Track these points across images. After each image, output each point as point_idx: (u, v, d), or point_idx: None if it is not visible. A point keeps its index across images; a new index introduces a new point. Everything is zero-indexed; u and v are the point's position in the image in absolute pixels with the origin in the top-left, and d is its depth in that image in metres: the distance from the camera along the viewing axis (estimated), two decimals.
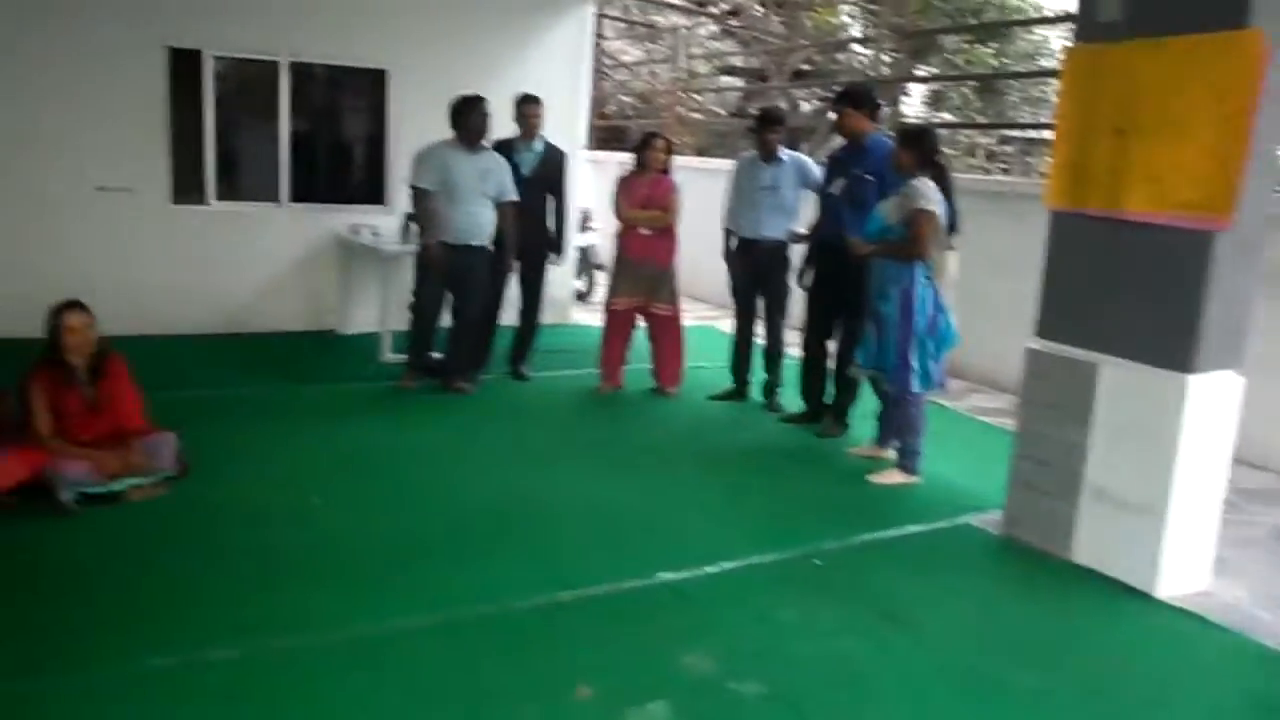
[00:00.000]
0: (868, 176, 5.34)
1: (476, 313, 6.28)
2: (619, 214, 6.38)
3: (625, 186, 6.38)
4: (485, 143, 6.18)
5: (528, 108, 6.43)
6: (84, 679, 2.90)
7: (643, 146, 6.39)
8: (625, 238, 6.42)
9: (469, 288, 6.18)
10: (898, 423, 5.11)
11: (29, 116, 6.81)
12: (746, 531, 4.33)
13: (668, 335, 6.55)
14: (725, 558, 3.99)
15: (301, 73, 7.68)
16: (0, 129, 6.74)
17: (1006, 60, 13.26)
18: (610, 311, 6.52)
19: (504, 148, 6.40)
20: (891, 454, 5.25)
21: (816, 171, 6.06)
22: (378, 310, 7.12)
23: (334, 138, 8.24)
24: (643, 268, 6.36)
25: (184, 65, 7.23)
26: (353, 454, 5.08)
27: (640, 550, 4.06)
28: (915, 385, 4.87)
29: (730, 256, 6.30)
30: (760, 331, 6.38)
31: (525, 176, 6.40)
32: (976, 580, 4.02)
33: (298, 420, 5.59)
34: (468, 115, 6.03)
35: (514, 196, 6.23)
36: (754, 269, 6.18)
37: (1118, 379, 3.94)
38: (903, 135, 5.06)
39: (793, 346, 6.24)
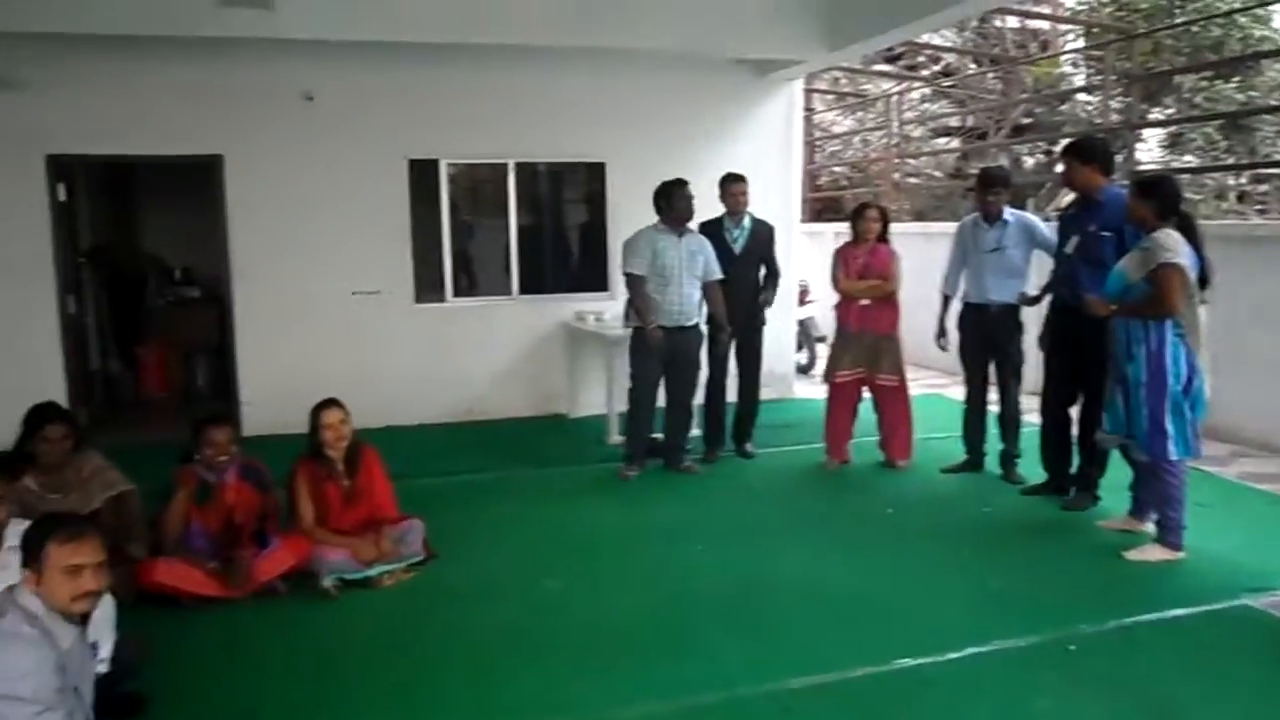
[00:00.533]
0: (1104, 233, 5.04)
1: (692, 393, 6.37)
2: (836, 285, 6.34)
3: (841, 258, 6.34)
4: (692, 225, 6.30)
5: (733, 186, 6.50)
6: None
7: (856, 217, 6.34)
8: (844, 309, 6.36)
9: (685, 368, 6.27)
10: (1156, 494, 4.72)
11: (291, 227, 7.56)
12: (990, 613, 4.09)
13: (894, 406, 6.39)
14: (968, 643, 3.78)
15: (526, 171, 8.14)
16: (268, 245, 7.51)
17: (1254, 94, 12.26)
18: (833, 384, 6.41)
19: (712, 226, 6.50)
20: (1150, 528, 4.85)
21: (1045, 230, 5.85)
22: (604, 394, 7.31)
23: (558, 230, 8.63)
24: (863, 338, 6.26)
25: (422, 175, 7.82)
26: (582, 535, 5.21)
27: (875, 634, 3.91)
28: (1173, 452, 4.49)
29: (959, 322, 6.11)
30: (994, 399, 6.10)
31: (737, 254, 6.45)
32: (1260, 673, 3.59)
33: (530, 503, 5.79)
34: (671, 198, 6.18)
35: (719, 275, 6.30)
36: (984, 334, 5.93)
37: None
38: (1138, 186, 4.72)
39: (1031, 414, 5.91)
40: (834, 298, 6.50)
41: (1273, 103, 12.15)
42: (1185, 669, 3.60)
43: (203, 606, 4.19)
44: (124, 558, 4.14)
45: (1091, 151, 5.23)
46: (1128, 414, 4.64)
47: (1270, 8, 12.27)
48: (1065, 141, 6.14)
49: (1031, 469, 5.88)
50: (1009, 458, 6.05)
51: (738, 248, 6.48)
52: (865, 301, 6.21)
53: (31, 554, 2.60)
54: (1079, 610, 4.07)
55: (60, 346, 7.28)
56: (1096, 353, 4.94)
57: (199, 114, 7.24)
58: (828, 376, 6.48)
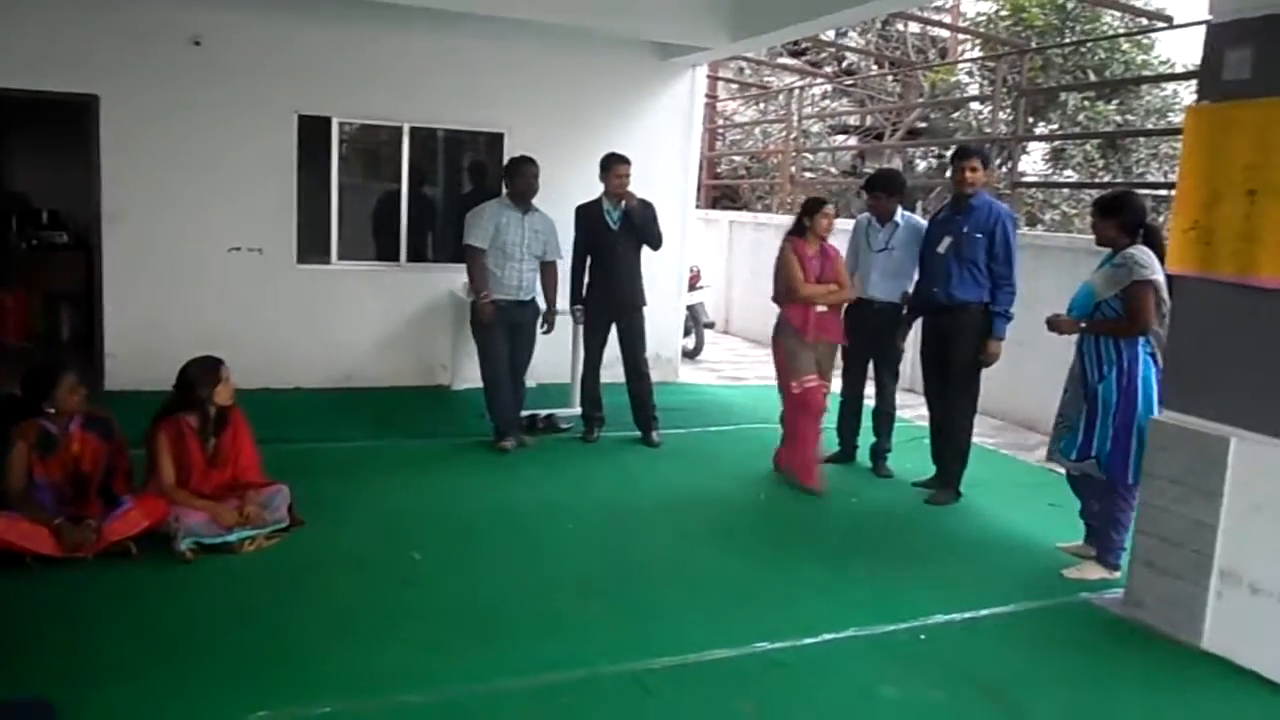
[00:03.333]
0: (976, 235, 5.39)
1: (525, 367, 6.45)
2: (796, 290, 5.66)
3: (796, 259, 5.71)
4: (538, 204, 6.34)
5: (618, 167, 6.38)
6: None
7: (811, 212, 5.77)
8: (799, 314, 5.70)
9: (522, 343, 6.36)
10: (1104, 516, 4.65)
11: (169, 176, 7.23)
12: (849, 602, 4.21)
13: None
14: (825, 629, 3.88)
15: (421, 136, 7.98)
16: (143, 193, 7.17)
17: (1132, 117, 12.85)
18: (801, 394, 5.72)
19: (591, 208, 6.48)
20: (1090, 551, 4.81)
21: None
22: None
23: (451, 199, 8.48)
24: (818, 346, 5.76)
25: (312, 132, 7.58)
26: (454, 509, 5.16)
27: (737, 618, 3.98)
28: (1131, 476, 4.39)
29: (845, 318, 6.16)
30: (869, 393, 6.26)
31: (614, 231, 6.41)
32: (1092, 664, 3.79)
33: (404, 474, 5.70)
34: (513, 175, 6.26)
35: (559, 257, 6.42)
36: (869, 330, 6.07)
37: (1251, 454, 3.71)
38: (1099, 206, 4.64)
39: (904, 409, 6.09)
40: (774, 297, 5.88)
41: (1149, 126, 12.74)
42: (1026, 658, 3.77)
43: (46, 565, 3.99)
44: None
45: (985, 157, 5.66)
46: (1089, 435, 4.51)
47: (1152, 35, 12.87)
48: (959, 146, 6.30)
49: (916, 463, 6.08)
50: (881, 452, 6.22)
51: (615, 225, 6.42)
52: (821, 308, 5.71)
53: None
54: (932, 601, 4.22)
55: None
56: (971, 352, 5.40)
57: (76, 49, 6.85)
58: (786, 385, 5.82)
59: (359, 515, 4.96)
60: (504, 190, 6.37)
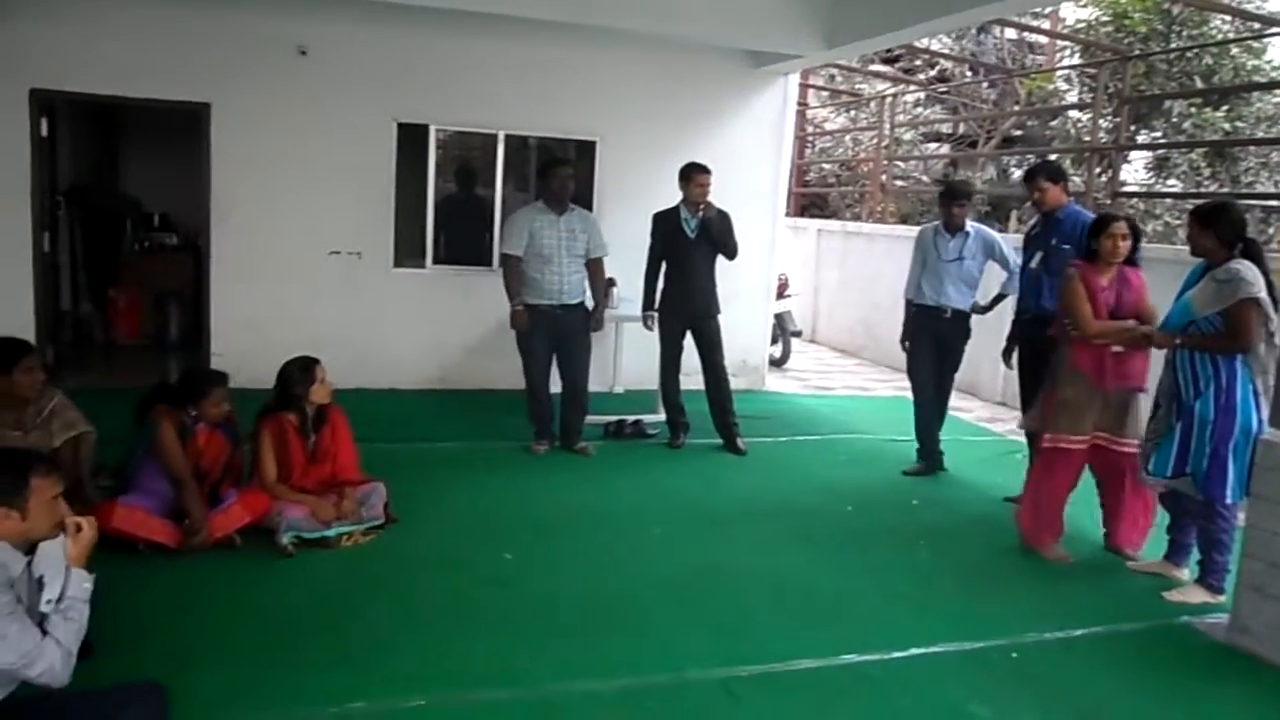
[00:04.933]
0: (1064, 246, 5.37)
1: (583, 372, 6.36)
2: (1083, 329, 4.73)
3: (1083, 289, 4.77)
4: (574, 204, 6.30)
5: (698, 175, 6.34)
6: (284, 715, 3.10)
7: (1098, 232, 4.81)
8: (1088, 355, 4.79)
9: (573, 347, 6.29)
10: (1202, 536, 4.49)
11: (274, 181, 7.50)
12: (938, 616, 4.15)
13: (1135, 479, 4.79)
14: (913, 643, 3.84)
15: (515, 143, 8.11)
16: (249, 197, 7.45)
17: (1241, 124, 12.38)
18: (1058, 449, 4.87)
19: (671, 215, 6.48)
20: (1184, 574, 4.66)
21: (1003, 244, 6.20)
22: None
23: None
24: (1112, 396, 4.81)
25: (410, 139, 7.77)
26: (545, 510, 5.24)
27: (825, 628, 3.96)
28: (1231, 495, 4.26)
29: (913, 324, 6.32)
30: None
31: (691, 239, 6.40)
32: (1194, 690, 3.67)
33: (495, 475, 5.80)
34: (547, 177, 6.23)
35: (603, 253, 6.35)
36: (938, 337, 6.18)
37: None
38: (1197, 216, 4.42)
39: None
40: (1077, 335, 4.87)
41: (1259, 134, 12.27)
42: (1123, 682, 3.67)
43: (158, 554, 4.18)
44: (81, 499, 4.12)
45: (1060, 172, 5.64)
46: (1183, 452, 4.36)
47: (1264, 40, 12.38)
48: (1031, 164, 6.25)
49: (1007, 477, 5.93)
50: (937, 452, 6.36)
51: (691, 233, 6.41)
52: (1118, 349, 4.78)
53: (13, 490, 2.54)
54: (1025, 619, 4.14)
55: (31, 284, 7.19)
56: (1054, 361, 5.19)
57: (189, 59, 7.17)
58: (1043, 432, 4.97)
59: (451, 514, 5.07)
60: (537, 194, 6.30)
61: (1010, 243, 6.36)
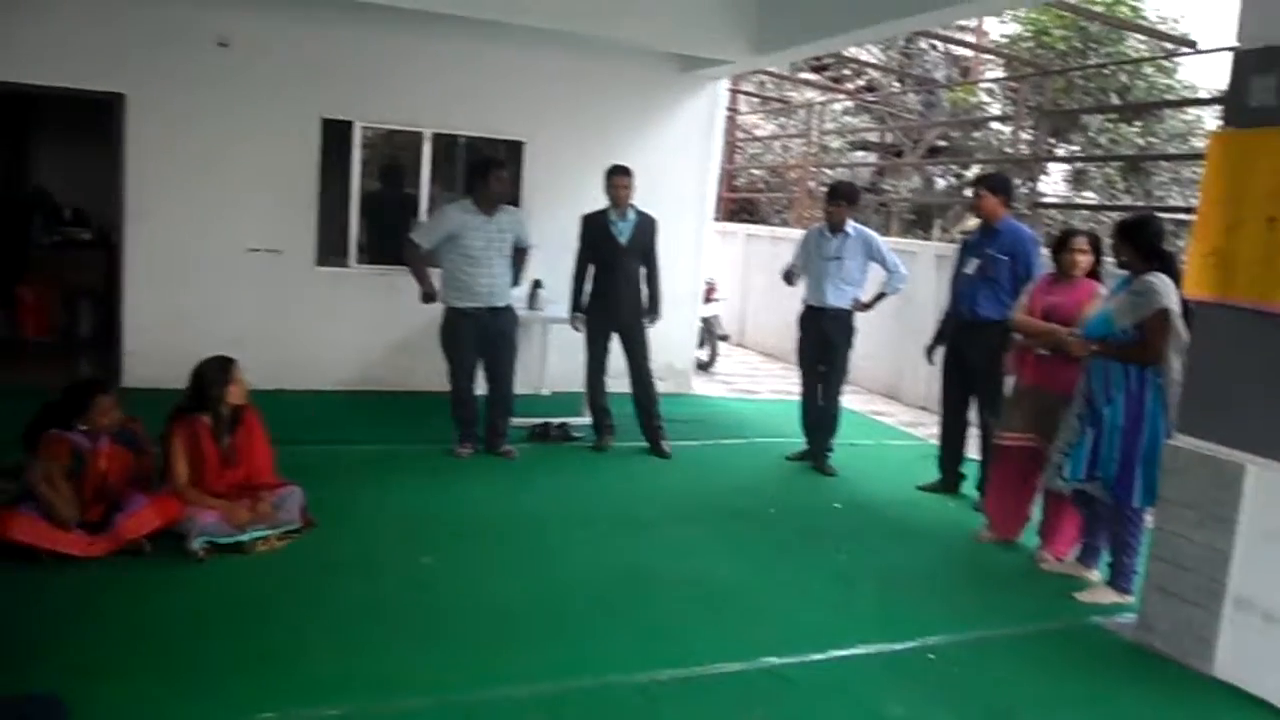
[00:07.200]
0: (1001, 256, 5.59)
1: (509, 375, 6.29)
2: (1012, 316, 5.17)
3: (1035, 291, 5.11)
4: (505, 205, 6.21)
5: (616, 178, 6.39)
6: None
7: (1059, 248, 5.05)
8: (1016, 354, 5.16)
9: (501, 350, 6.21)
10: (1113, 539, 4.63)
11: (193, 176, 7.29)
12: (858, 618, 4.20)
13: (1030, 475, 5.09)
14: (834, 645, 3.87)
15: (442, 142, 8.02)
16: (166, 192, 7.24)
17: (1154, 140, 12.81)
18: (997, 445, 5.28)
19: (598, 217, 6.47)
20: (1095, 575, 4.79)
21: (881, 245, 6.42)
22: None
23: None
24: (1039, 396, 5.00)
25: (334, 135, 7.63)
26: (467, 514, 5.17)
27: (746, 631, 3.97)
28: (1138, 499, 4.42)
29: (799, 324, 6.55)
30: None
31: (623, 246, 6.41)
32: (1102, 689, 3.76)
33: (418, 478, 5.71)
34: (481, 178, 6.07)
35: (530, 244, 6.33)
36: (818, 335, 6.37)
37: (1267, 481, 3.68)
38: (1121, 228, 4.61)
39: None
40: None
41: (1171, 150, 12.70)
42: (1035, 682, 3.74)
43: (61, 563, 4.02)
44: None
45: (1002, 184, 5.86)
46: (1094, 457, 4.52)
47: (1176, 60, 12.83)
48: (978, 173, 6.43)
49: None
50: (823, 452, 6.54)
51: (623, 239, 6.43)
52: (1042, 350, 4.96)
53: None
54: (942, 620, 4.21)
55: None
56: (985, 364, 5.55)
57: (103, 48, 6.93)
58: (993, 433, 5.38)
59: (371, 518, 4.97)
60: (467, 193, 6.16)
61: (934, 250, 6.50)
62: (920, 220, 15.67)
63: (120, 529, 4.15)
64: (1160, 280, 4.37)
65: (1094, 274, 5.01)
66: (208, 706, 3.10)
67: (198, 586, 4.01)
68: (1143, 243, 4.48)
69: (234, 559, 4.28)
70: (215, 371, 4.58)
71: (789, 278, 6.60)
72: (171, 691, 3.17)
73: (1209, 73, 16.54)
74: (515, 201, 8.09)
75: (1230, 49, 3.92)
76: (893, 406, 9.15)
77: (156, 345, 7.03)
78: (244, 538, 4.34)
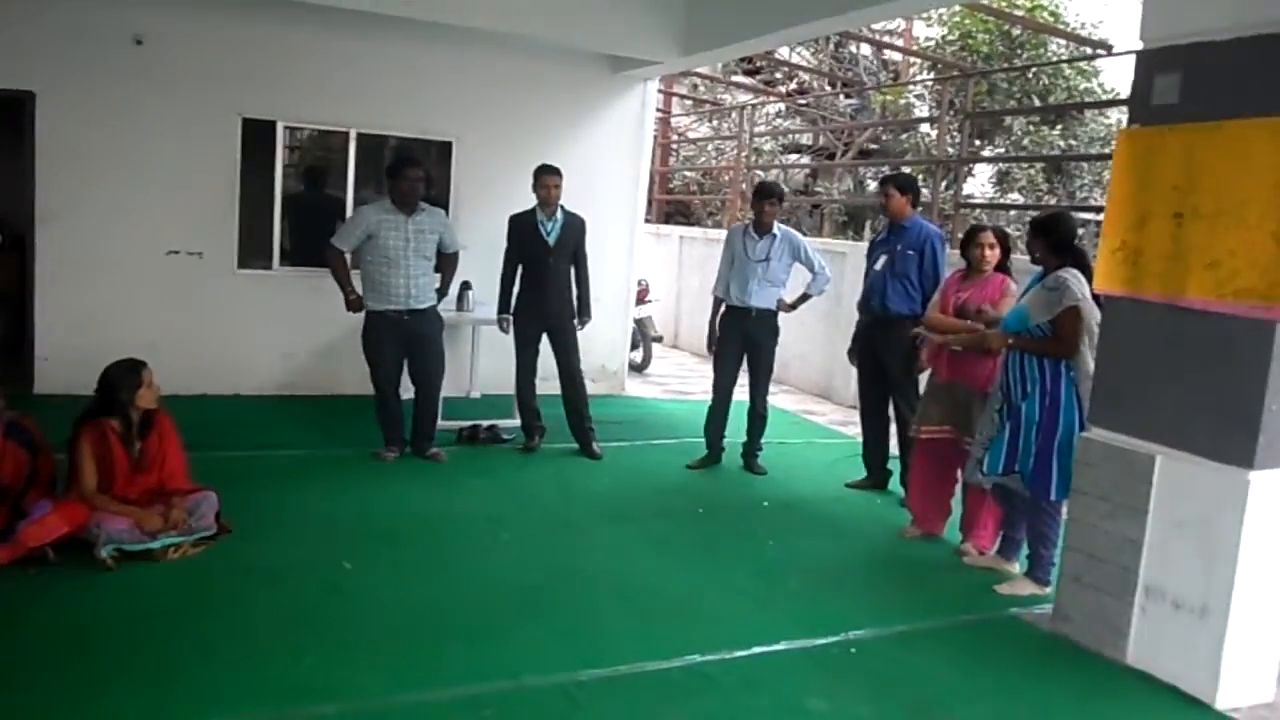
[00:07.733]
0: (909, 252, 5.78)
1: (435, 378, 6.20)
2: (926, 314, 5.37)
3: (947, 288, 5.25)
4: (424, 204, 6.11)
5: (546, 178, 6.34)
6: None
7: (967, 243, 5.18)
8: (934, 351, 5.25)
9: (425, 352, 6.11)
10: (1030, 531, 4.70)
11: (108, 177, 7.09)
12: (782, 614, 4.21)
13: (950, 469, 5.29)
14: (757, 642, 3.87)
15: (368, 143, 7.90)
16: (80, 193, 7.03)
17: (1075, 142, 13.12)
18: (915, 439, 5.34)
19: (526, 217, 6.43)
20: (1015, 568, 4.85)
21: (807, 246, 6.44)
22: None
23: None
24: (954, 391, 5.12)
25: (256, 136, 7.48)
26: (389, 518, 5.09)
27: (669, 630, 3.96)
28: (1055, 492, 4.48)
29: (720, 323, 6.48)
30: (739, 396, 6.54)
31: (551, 246, 6.38)
32: (1019, 680, 3.81)
33: (342, 482, 5.62)
34: (394, 178, 5.95)
35: (456, 248, 6.28)
36: (744, 335, 6.35)
37: (1175, 472, 3.76)
38: (1035, 225, 4.69)
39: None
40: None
41: (1093, 152, 13.01)
42: (954, 673, 3.78)
43: None
44: None
45: (909, 183, 6.03)
46: (1012, 451, 4.58)
47: (1096, 63, 13.14)
48: (885, 174, 6.55)
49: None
50: (753, 451, 6.53)
51: (551, 240, 6.39)
52: (957, 347, 5.04)
53: None
54: (864, 614, 4.23)
55: None
56: (898, 359, 5.69)
57: (11, 44, 6.71)
58: (912, 428, 5.42)
59: (291, 523, 4.87)
60: (388, 193, 6.04)
61: (864, 250, 6.50)
62: (852, 221, 15.86)
63: (23, 536, 4.02)
64: (1073, 276, 4.45)
65: (1004, 269, 5.15)
66: (104, 718, 3.00)
67: (105, 596, 3.88)
68: (1055, 238, 4.57)
69: (145, 567, 4.15)
70: (124, 374, 4.44)
71: (719, 303, 6.47)
72: (68, 703, 3.06)
73: (1128, 77, 16.98)
74: (444, 202, 8.02)
75: (1135, 51, 4.01)
76: (824, 406, 9.22)
77: (70, 351, 6.82)
78: (155, 545, 4.22)
